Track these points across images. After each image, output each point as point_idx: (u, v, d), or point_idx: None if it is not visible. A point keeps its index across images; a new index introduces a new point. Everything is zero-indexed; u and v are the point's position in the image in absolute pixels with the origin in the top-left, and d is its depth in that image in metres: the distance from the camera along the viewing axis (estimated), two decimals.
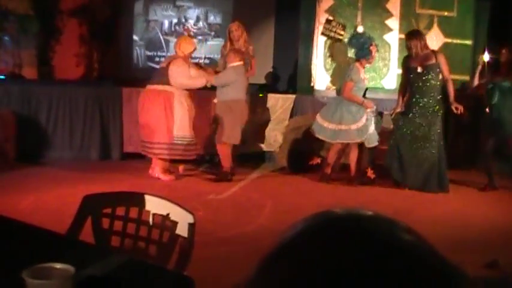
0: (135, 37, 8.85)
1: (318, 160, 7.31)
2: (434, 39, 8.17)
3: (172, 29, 8.80)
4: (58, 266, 1.42)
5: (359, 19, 8.02)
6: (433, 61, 6.55)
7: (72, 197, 2.60)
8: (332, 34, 7.83)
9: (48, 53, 8.49)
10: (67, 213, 2.52)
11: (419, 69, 6.53)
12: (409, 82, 6.68)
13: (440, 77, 6.56)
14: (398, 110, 6.78)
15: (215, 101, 6.91)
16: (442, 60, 6.60)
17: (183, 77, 6.53)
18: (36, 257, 1.54)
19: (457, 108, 6.53)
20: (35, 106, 7.40)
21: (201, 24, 8.88)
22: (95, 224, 2.43)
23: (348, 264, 0.46)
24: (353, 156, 6.88)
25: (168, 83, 6.52)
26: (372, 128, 6.75)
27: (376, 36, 8.15)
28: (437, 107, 6.59)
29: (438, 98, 6.59)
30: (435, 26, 8.24)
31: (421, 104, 6.57)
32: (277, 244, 0.51)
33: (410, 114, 6.62)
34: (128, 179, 6.50)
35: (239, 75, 6.73)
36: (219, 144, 6.81)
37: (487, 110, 6.91)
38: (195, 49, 6.86)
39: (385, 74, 8.24)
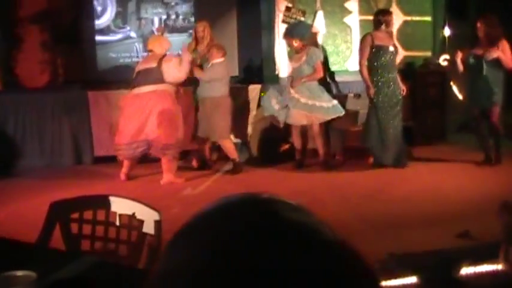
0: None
1: (287, 146, 7.38)
2: (395, 18, 8.24)
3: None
4: (20, 273, 1.44)
5: (318, 4, 8.05)
6: (393, 41, 6.77)
7: (47, 205, 2.61)
8: (292, 21, 7.86)
9: (11, 62, 8.38)
10: (43, 222, 2.53)
11: (391, 48, 6.68)
12: (377, 60, 6.72)
13: None
14: (374, 89, 6.77)
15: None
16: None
17: (175, 70, 6.47)
18: (4, 267, 1.56)
19: (403, 90, 6.81)
20: (2, 117, 7.33)
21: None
22: (64, 230, 2.45)
23: (239, 247, 0.49)
24: (318, 141, 6.95)
25: (163, 81, 6.44)
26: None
27: (336, 20, 8.22)
28: (399, 84, 6.77)
29: (395, 78, 6.78)
30: (394, 4, 8.32)
31: (390, 81, 6.70)
32: (180, 228, 0.55)
33: (382, 92, 6.71)
34: (101, 182, 6.47)
35: (225, 71, 6.87)
36: (220, 140, 6.93)
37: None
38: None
39: (348, 57, 8.30)
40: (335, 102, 6.90)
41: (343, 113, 6.91)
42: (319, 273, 0.48)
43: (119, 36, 8.68)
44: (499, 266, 3.51)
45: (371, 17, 8.26)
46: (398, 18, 8.30)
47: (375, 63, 6.72)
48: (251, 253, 0.49)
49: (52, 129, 7.50)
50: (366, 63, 6.76)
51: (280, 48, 8.20)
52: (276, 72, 8.25)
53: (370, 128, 6.81)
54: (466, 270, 3.57)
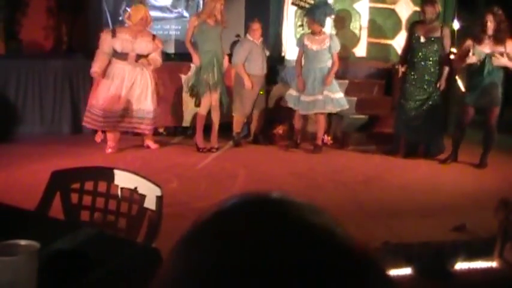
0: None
1: (280, 130, 7.41)
2: (404, 8, 8.20)
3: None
4: (23, 242, 1.44)
5: None
6: (438, 34, 6.57)
7: (45, 172, 2.60)
8: (302, 3, 7.79)
9: (15, 26, 8.32)
10: (40, 189, 2.53)
11: (422, 39, 6.55)
12: (411, 50, 6.68)
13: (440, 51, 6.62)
14: (402, 70, 6.78)
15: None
16: (446, 34, 6.66)
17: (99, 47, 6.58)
18: (3, 234, 1.56)
19: (440, 85, 6.65)
20: (3, 81, 7.28)
21: None
22: (64, 199, 2.45)
23: (255, 250, 0.48)
24: (320, 125, 6.97)
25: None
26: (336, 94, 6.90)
27: (346, 5, 8.16)
28: (435, 80, 6.63)
29: (437, 71, 6.62)
30: None
31: (422, 72, 6.60)
32: (190, 227, 0.54)
33: (411, 81, 6.66)
34: (99, 153, 6.47)
35: None
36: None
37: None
38: (144, 15, 6.65)
39: (356, 43, 8.26)
40: (341, 94, 6.97)
41: (347, 107, 7.01)
42: (334, 279, 0.47)
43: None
44: (493, 263, 3.54)
45: (381, 5, 8.23)
46: (408, 8, 8.25)
47: (411, 54, 6.70)
48: (261, 254, 0.48)
49: (53, 97, 7.47)
50: (405, 48, 6.83)
51: (288, 30, 8.15)
52: (283, 54, 8.21)
53: (398, 114, 6.81)
54: (460, 265, 3.59)
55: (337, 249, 0.50)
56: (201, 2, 8.62)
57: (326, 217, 0.53)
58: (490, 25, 6.21)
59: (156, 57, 6.67)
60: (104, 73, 6.53)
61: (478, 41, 6.30)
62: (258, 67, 7.03)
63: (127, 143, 6.87)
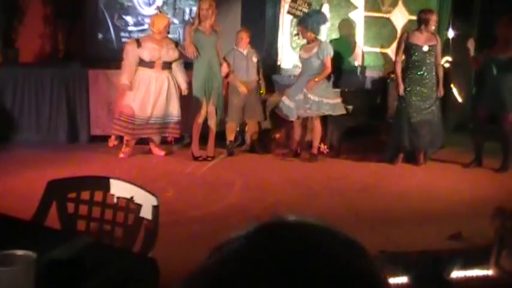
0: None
1: (278, 135, 7.42)
2: (400, 17, 8.22)
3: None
4: (20, 252, 1.44)
5: None
6: (435, 42, 6.65)
7: (41, 180, 2.61)
8: (298, 12, 7.82)
9: (12, 34, 8.32)
10: (36, 197, 2.53)
11: (425, 48, 6.58)
12: (409, 58, 6.70)
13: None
14: (403, 87, 6.71)
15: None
16: (439, 41, 6.76)
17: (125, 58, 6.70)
18: (0, 244, 1.56)
19: (440, 92, 6.70)
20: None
21: None
22: (60, 208, 2.45)
23: (275, 277, 0.49)
24: (316, 133, 6.97)
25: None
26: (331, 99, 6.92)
27: (341, 14, 8.18)
28: (435, 87, 6.67)
29: (435, 78, 6.67)
30: (400, 3, 8.27)
31: (423, 80, 6.62)
32: (208, 256, 0.54)
33: (412, 90, 6.64)
34: (96, 161, 6.47)
35: None
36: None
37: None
38: (168, 23, 6.94)
39: (351, 51, 8.28)
40: (339, 100, 6.96)
41: (345, 112, 7.02)
42: None
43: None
44: (489, 271, 3.54)
45: (376, 14, 8.25)
46: (403, 17, 8.27)
47: (407, 61, 6.72)
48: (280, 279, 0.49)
49: (50, 105, 7.47)
50: (399, 60, 6.79)
51: (284, 39, 8.17)
52: (278, 63, 8.22)
53: (399, 125, 6.74)
54: (456, 273, 3.59)
55: (357, 272, 0.51)
56: (188, 10, 8.70)
57: (342, 237, 0.54)
58: (507, 32, 6.36)
59: (182, 70, 6.95)
60: (132, 84, 6.66)
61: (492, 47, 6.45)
62: (242, 74, 7.06)
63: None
